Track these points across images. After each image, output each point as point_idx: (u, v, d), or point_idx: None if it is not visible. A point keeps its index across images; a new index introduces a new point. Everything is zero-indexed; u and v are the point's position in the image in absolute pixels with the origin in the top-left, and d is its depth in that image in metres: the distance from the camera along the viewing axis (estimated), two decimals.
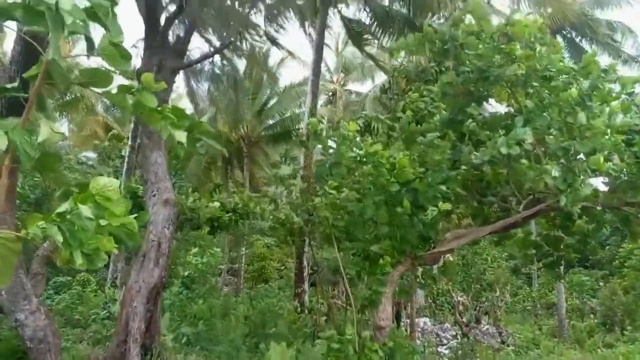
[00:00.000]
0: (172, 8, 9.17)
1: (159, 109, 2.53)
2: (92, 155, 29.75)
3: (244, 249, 23.44)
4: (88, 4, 2.15)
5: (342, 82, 27.99)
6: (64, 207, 2.10)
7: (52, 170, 2.97)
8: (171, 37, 9.39)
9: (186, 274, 14.38)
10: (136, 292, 8.71)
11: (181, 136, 2.54)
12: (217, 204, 12.96)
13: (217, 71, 14.77)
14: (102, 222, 2.11)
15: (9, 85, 2.69)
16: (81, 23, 2.11)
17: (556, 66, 6.40)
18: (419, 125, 8.63)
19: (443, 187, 7.22)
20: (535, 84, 6.57)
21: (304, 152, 15.19)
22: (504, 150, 6.14)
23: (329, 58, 28.24)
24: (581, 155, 6.67)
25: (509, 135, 6.49)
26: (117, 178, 19.39)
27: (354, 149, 8.25)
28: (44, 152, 2.67)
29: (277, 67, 24.16)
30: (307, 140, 11.18)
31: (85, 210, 2.03)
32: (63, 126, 26.54)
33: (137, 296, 8.63)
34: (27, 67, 5.73)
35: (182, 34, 9.45)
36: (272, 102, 25.11)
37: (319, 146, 8.38)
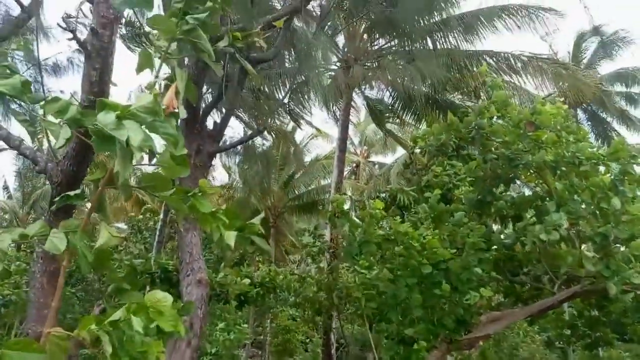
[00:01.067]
0: (210, 97, 9.79)
1: (212, 211, 2.57)
2: (121, 225, 30.33)
3: (269, 321, 23.08)
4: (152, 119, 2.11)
5: (365, 155, 28.60)
6: (117, 315, 2.10)
7: (105, 267, 3.03)
8: (208, 121, 9.95)
9: (213, 351, 14.19)
10: None
11: (230, 238, 2.57)
12: (247, 280, 13.02)
13: (247, 148, 15.29)
14: (151, 325, 2.11)
15: (71, 193, 2.79)
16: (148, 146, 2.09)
17: (584, 153, 6.56)
18: (447, 205, 8.74)
19: (478, 270, 7.22)
20: (564, 168, 6.72)
21: (330, 226, 15.31)
22: (543, 237, 6.23)
23: (352, 131, 29.05)
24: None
25: (545, 222, 6.56)
26: (147, 251, 19.63)
27: (383, 225, 8.34)
28: (100, 250, 2.78)
29: (304, 142, 25.10)
30: (335, 217, 11.34)
31: (137, 322, 2.04)
32: None
33: None
34: (81, 163, 6.07)
35: (218, 121, 9.99)
36: (298, 174, 25.74)
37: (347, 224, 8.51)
